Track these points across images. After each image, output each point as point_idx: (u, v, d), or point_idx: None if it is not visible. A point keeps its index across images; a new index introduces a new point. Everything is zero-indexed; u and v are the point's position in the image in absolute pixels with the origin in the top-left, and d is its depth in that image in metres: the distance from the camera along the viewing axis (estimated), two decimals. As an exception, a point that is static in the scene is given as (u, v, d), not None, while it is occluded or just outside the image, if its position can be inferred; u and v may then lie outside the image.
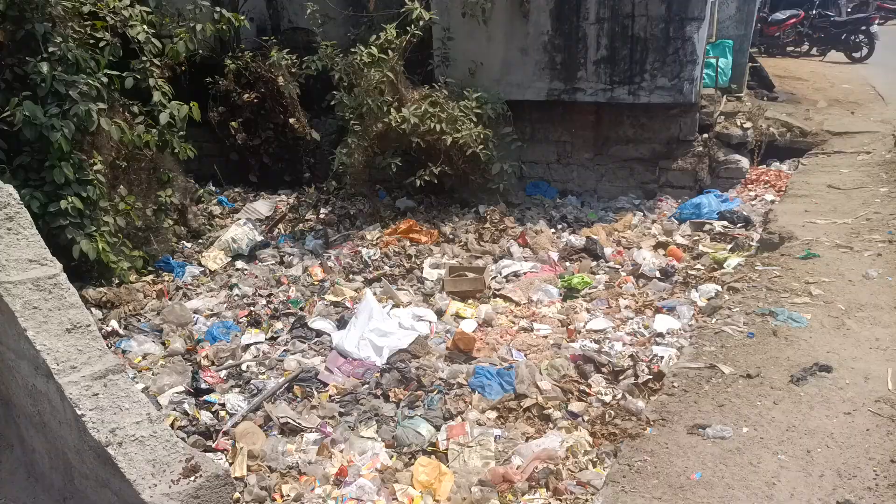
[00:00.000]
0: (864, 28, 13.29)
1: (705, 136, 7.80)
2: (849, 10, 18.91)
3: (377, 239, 6.65)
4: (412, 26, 6.60)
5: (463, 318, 5.32)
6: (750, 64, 9.60)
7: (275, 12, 8.93)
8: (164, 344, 4.92)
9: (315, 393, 4.21)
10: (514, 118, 7.55)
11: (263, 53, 7.66)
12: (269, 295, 5.68)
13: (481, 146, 6.86)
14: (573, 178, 8.22)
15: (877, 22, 14.88)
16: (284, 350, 4.75)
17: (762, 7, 16.16)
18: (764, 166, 7.83)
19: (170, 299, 5.67)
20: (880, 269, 4.21)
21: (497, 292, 5.79)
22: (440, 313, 5.37)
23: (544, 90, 7.52)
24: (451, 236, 6.84)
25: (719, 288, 4.78)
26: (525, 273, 6.15)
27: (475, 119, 6.88)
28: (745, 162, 7.65)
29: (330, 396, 4.18)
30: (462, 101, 6.93)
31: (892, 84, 10.47)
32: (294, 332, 4.95)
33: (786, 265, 4.50)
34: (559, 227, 7.20)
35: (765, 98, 9.31)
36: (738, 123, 7.78)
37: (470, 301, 5.66)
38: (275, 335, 4.99)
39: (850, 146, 7.47)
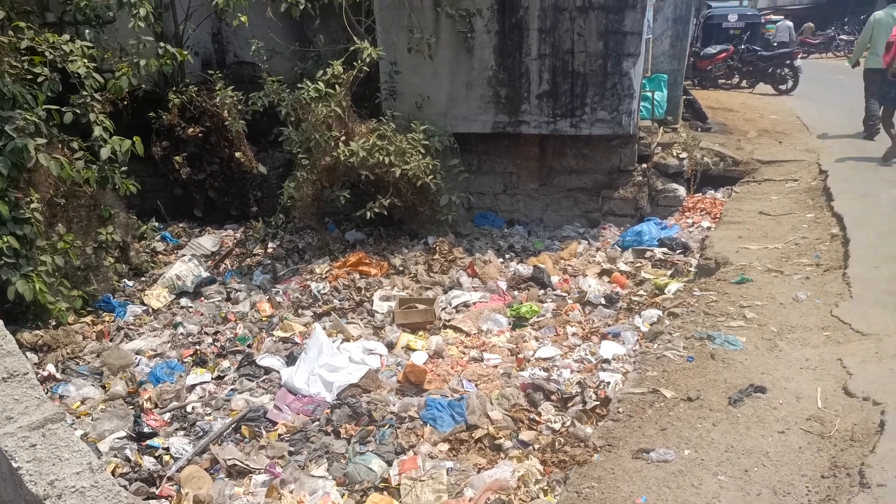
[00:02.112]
0: (788, 62, 14.12)
1: (644, 165, 8.11)
2: (775, 44, 20.04)
3: (326, 272, 6.63)
4: (359, 62, 6.70)
5: (413, 350, 5.33)
6: (684, 97, 10.06)
7: (220, 46, 8.91)
8: (104, 387, 4.75)
9: (263, 432, 4.14)
10: (462, 150, 7.69)
11: (209, 87, 7.62)
12: (216, 333, 5.57)
13: (430, 177, 6.96)
14: (520, 207, 8.39)
15: (800, 56, 15.84)
16: (231, 389, 4.66)
17: (695, 42, 17.01)
18: (700, 194, 8.17)
19: (110, 340, 5.50)
20: (808, 292, 4.44)
21: (447, 323, 5.83)
22: (391, 346, 5.36)
23: (490, 123, 7.70)
24: (400, 268, 6.87)
25: (661, 313, 4.95)
26: (475, 303, 6.21)
27: (423, 151, 6.98)
28: (682, 190, 7.97)
29: (279, 435, 4.11)
30: (409, 134, 7.03)
31: (815, 114, 11.12)
32: (242, 371, 4.86)
33: (721, 290, 4.69)
34: (507, 256, 7.31)
35: (699, 129, 9.75)
36: (675, 154, 8.11)
37: (420, 333, 5.68)
38: (221, 374, 4.89)
39: (779, 174, 7.87)
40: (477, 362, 5.15)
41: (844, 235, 5.37)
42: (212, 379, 4.84)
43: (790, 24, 25.45)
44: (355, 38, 6.71)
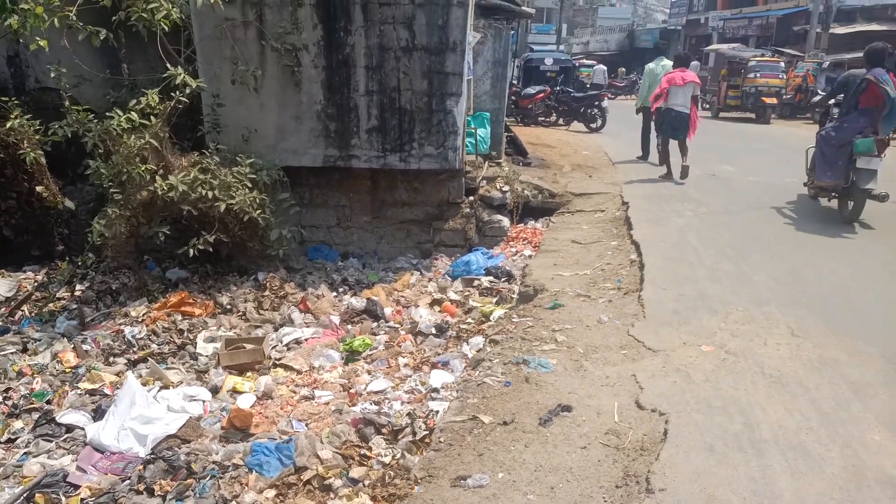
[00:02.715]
0: (597, 103, 15.62)
1: (471, 198, 8.52)
2: (589, 85, 22.10)
3: (143, 315, 6.17)
4: (177, 92, 6.40)
5: (240, 392, 5.11)
6: (506, 134, 10.75)
7: (18, 70, 8.08)
8: None
9: (63, 498, 3.73)
10: (292, 184, 7.58)
11: (3, 115, 6.85)
12: (7, 390, 4.95)
13: (258, 212, 6.77)
14: (354, 240, 8.41)
15: (607, 98, 17.65)
16: (25, 453, 4.15)
17: (518, 82, 18.30)
18: (523, 224, 8.72)
19: None
20: (610, 314, 4.91)
21: (278, 362, 5.67)
22: (215, 390, 5.10)
23: (320, 157, 7.68)
24: (228, 307, 6.58)
25: (484, 340, 5.19)
26: (307, 339, 6.11)
27: (250, 185, 6.79)
28: (506, 221, 8.47)
29: (82, 500, 3.73)
30: (235, 168, 6.81)
31: (619, 151, 12.38)
32: (38, 431, 4.36)
33: (537, 316, 5.04)
34: (341, 290, 7.29)
35: (521, 163, 10.45)
36: (498, 187, 8.62)
37: (248, 374, 5.46)
38: (12, 437, 4.35)
39: (589, 205, 8.64)
40: (308, 400, 5.05)
41: (640, 261, 6.00)
42: (1, 443, 4.29)
43: (604, 67, 28.34)
44: (170, 67, 6.40)
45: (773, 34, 29.03)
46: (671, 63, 10.44)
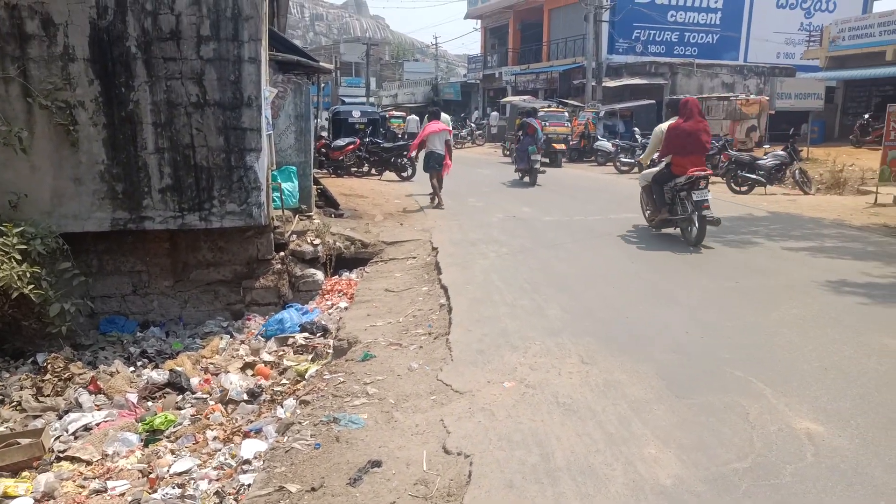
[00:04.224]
0: (405, 153, 16.16)
1: (282, 253, 8.32)
2: (401, 135, 22.83)
3: None
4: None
5: (13, 497, 4.42)
6: (316, 186, 10.72)
7: None
8: None
9: None
10: (76, 251, 6.89)
11: None
12: None
13: (31, 286, 6.03)
14: (154, 307, 7.80)
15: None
16: None
17: (328, 134, 18.42)
18: (337, 277, 8.67)
19: None
20: (420, 361, 5.00)
21: (62, 454, 5.02)
22: (-21, 500, 4.36)
23: (108, 220, 7.07)
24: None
25: (296, 402, 5.02)
26: (98, 424, 5.50)
27: (19, 257, 6.03)
28: (319, 275, 8.36)
29: None
30: (1, 239, 6.03)
31: (428, 199, 12.89)
32: None
33: (349, 370, 4.98)
34: (139, 363, 6.69)
35: (333, 215, 10.44)
36: (309, 240, 8.52)
37: (25, 473, 4.76)
38: None
39: (401, 253, 8.83)
40: (100, 494, 4.51)
41: (449, 304, 6.22)
42: None
43: (417, 118, 29.59)
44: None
45: (557, 87, 32.31)
46: (447, 117, 13.22)
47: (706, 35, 32.97)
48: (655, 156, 9.31)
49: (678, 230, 8.93)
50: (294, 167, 9.50)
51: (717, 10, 32.90)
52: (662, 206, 8.91)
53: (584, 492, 3.11)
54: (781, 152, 14.98)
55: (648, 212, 9.48)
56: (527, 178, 15.41)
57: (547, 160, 19.75)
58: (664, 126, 8.93)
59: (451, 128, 14.28)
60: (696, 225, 8.38)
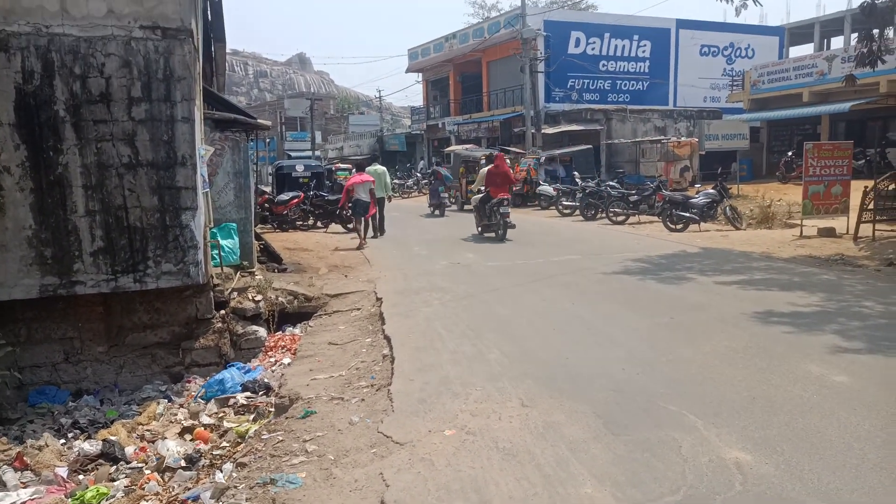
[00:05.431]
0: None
1: (223, 312, 8.17)
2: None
3: None
4: None
5: (-75, 590, 4.12)
6: (258, 242, 10.63)
7: None
8: None
9: None
10: (2, 321, 6.69)
11: None
12: None
13: (-49, 361, 5.74)
14: (87, 375, 7.52)
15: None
16: None
17: (272, 189, 18.35)
18: (281, 332, 8.55)
19: None
20: (362, 414, 4.95)
21: (-18, 539, 4.71)
22: None
23: (36, 287, 6.84)
24: (-90, 483, 5.36)
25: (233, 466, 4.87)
26: (24, 503, 5.18)
27: (-62, 330, 5.76)
28: (262, 331, 8.23)
29: None
30: (-83, 312, 5.76)
31: (374, 249, 12.92)
32: None
33: (289, 427, 4.89)
34: (70, 435, 6.39)
35: (276, 270, 10.35)
36: (251, 297, 8.41)
37: (-61, 563, 4.44)
38: None
39: (345, 305, 8.79)
40: (24, 579, 4.24)
41: (392, 354, 6.21)
42: None
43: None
44: None
45: (499, 135, 33.20)
46: (383, 167, 16.72)
47: (637, 82, 34.61)
48: (482, 187, 14.29)
49: (493, 234, 13.92)
50: (234, 224, 9.43)
51: (645, 59, 34.67)
52: (484, 217, 14.17)
53: (521, 537, 3.11)
54: (712, 190, 15.68)
55: (477, 221, 14.64)
56: (437, 212, 20.18)
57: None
58: (485, 170, 14.52)
59: (388, 178, 17.08)
60: (502, 228, 13.60)
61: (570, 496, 3.46)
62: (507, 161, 23.44)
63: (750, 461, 3.70)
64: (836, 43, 38.42)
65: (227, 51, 13.86)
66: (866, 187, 12.03)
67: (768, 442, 3.94)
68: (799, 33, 31.30)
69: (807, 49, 30.79)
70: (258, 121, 10.41)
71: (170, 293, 7.68)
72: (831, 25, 38.61)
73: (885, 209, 12.16)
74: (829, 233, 12.48)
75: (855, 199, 12.35)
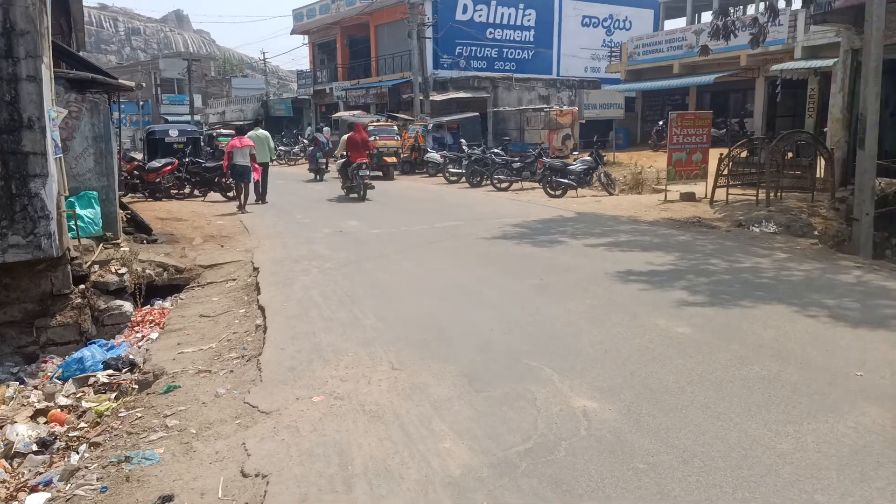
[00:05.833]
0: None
1: (82, 286, 7.64)
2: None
3: None
4: None
5: None
6: (124, 211, 9.99)
7: None
8: None
9: None
10: None
11: None
12: None
13: None
14: (-77, 359, 6.81)
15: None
16: None
17: (144, 155, 17.24)
18: (149, 306, 8.13)
19: None
20: (229, 385, 4.84)
21: None
22: None
23: None
24: None
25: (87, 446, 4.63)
26: None
27: None
28: (128, 306, 7.79)
29: None
30: None
31: (255, 217, 12.52)
32: None
33: (149, 404, 4.70)
34: None
35: (144, 241, 9.79)
36: (114, 270, 7.92)
37: None
38: None
39: (220, 276, 8.49)
40: None
41: (265, 324, 6.09)
42: None
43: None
44: None
45: (387, 101, 32.82)
46: (265, 132, 16.49)
47: (522, 51, 35.24)
48: (344, 152, 15.72)
49: (357, 195, 15.14)
50: (95, 192, 8.78)
51: (530, 27, 35.30)
52: (346, 179, 15.59)
53: (378, 493, 3.19)
54: (588, 158, 16.40)
55: (343, 183, 15.98)
56: (317, 177, 21.67)
57: (380, 173, 20.01)
58: (345, 137, 16.20)
59: (272, 142, 16.80)
60: (362, 189, 15.13)
61: (429, 452, 3.58)
62: (395, 128, 23.42)
63: (596, 408, 3.99)
64: (707, 17, 40.80)
65: (95, 5, 12.78)
66: (722, 154, 13.03)
67: (614, 390, 4.25)
68: (674, 7, 33.00)
69: (680, 23, 32.52)
70: (120, 81, 9.67)
71: (20, 267, 7.08)
72: (703, 0, 40.95)
73: (738, 174, 13.25)
74: (689, 197, 13.45)
75: (713, 166, 13.35)
